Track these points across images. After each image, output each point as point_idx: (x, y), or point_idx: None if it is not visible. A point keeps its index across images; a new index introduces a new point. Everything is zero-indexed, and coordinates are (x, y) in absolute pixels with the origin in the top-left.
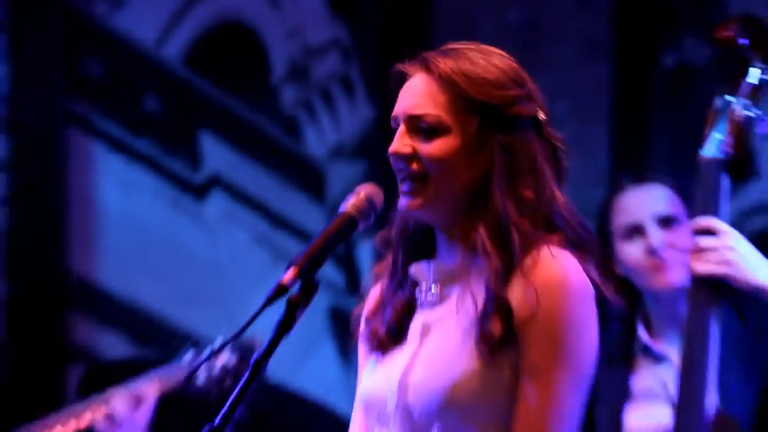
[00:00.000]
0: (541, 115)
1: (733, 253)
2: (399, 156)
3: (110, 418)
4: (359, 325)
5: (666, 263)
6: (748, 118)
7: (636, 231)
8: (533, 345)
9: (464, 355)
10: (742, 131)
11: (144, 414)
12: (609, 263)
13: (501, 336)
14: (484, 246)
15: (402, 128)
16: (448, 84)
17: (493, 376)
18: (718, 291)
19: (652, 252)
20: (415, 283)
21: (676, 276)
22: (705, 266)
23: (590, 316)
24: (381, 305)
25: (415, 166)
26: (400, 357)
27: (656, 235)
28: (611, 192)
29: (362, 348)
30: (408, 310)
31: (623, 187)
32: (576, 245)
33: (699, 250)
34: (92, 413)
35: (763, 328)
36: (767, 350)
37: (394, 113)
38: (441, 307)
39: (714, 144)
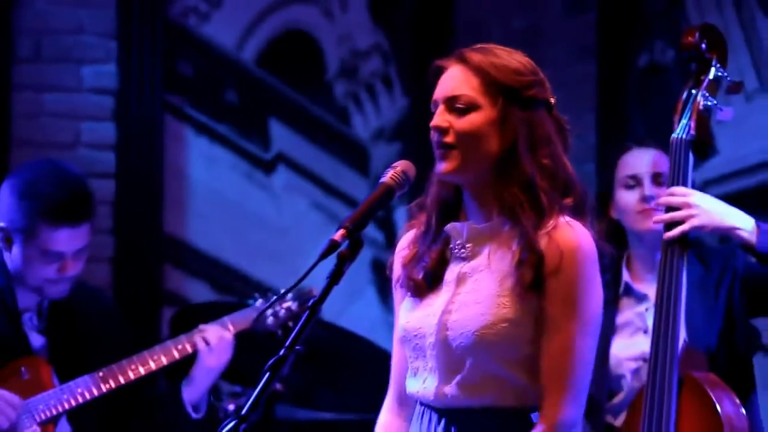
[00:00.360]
0: (551, 99)
1: (698, 208)
2: (438, 129)
3: (207, 341)
4: (392, 272)
5: (653, 211)
6: (708, 107)
7: (634, 181)
8: (553, 299)
9: (495, 303)
10: (703, 117)
11: (229, 340)
12: (608, 209)
13: (532, 281)
14: (521, 203)
15: (441, 108)
16: (478, 71)
17: (519, 322)
18: (686, 244)
19: (644, 199)
20: (447, 240)
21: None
22: (674, 231)
23: (597, 275)
24: (417, 256)
25: (448, 137)
26: (437, 300)
27: (649, 187)
28: (619, 151)
29: (398, 292)
30: (441, 262)
31: (629, 147)
32: (579, 207)
33: (670, 209)
34: (194, 341)
35: (723, 276)
36: (726, 294)
37: (434, 98)
38: (474, 261)
39: (682, 128)
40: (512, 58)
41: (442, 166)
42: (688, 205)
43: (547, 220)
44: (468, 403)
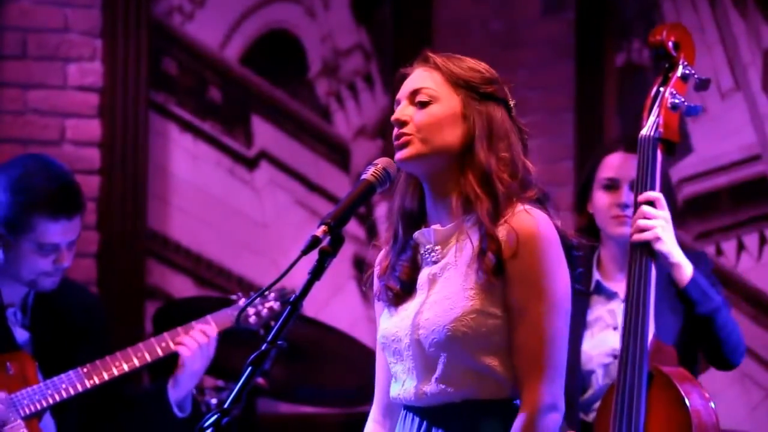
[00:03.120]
0: (511, 102)
1: (663, 231)
2: (398, 122)
3: (190, 344)
4: (371, 287)
5: (626, 219)
6: (675, 105)
7: (613, 185)
8: (516, 284)
9: (462, 297)
10: (671, 115)
11: (212, 340)
12: (585, 204)
13: (493, 269)
14: (474, 190)
15: (403, 102)
16: (440, 67)
17: (487, 312)
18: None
19: (620, 206)
20: (416, 248)
21: (631, 229)
22: (642, 236)
23: (559, 258)
24: (390, 267)
25: (408, 129)
26: (412, 304)
27: (626, 194)
28: (603, 150)
29: (378, 306)
30: (413, 269)
31: (615, 149)
32: (541, 202)
33: (642, 217)
34: (178, 340)
35: None
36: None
37: (397, 97)
38: (442, 261)
39: (650, 126)
40: (473, 61)
41: (402, 153)
42: (659, 226)
43: (504, 209)
44: (447, 399)
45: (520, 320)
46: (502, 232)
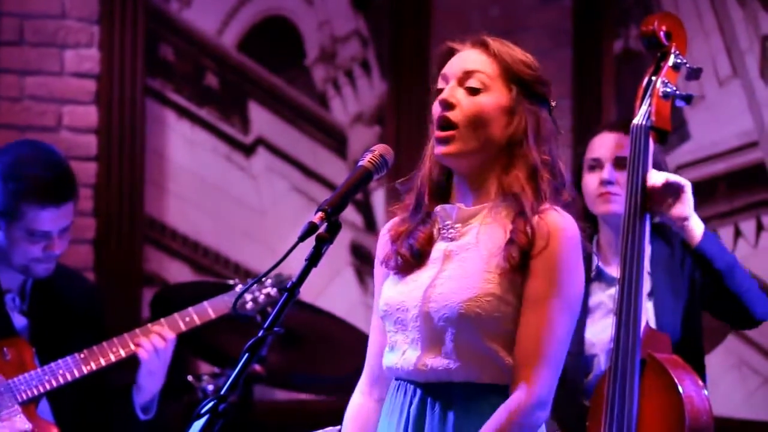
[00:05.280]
0: (553, 103)
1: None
2: (446, 102)
3: (145, 348)
4: (375, 251)
5: (611, 195)
6: (667, 93)
7: (597, 165)
8: (537, 277)
9: (481, 279)
10: (662, 104)
11: (169, 343)
12: (579, 191)
13: (519, 259)
14: (521, 184)
15: (453, 83)
16: (497, 57)
17: (503, 298)
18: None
19: (602, 183)
20: (436, 220)
21: (616, 206)
22: (674, 179)
23: (580, 259)
24: (405, 233)
25: (454, 115)
26: (422, 275)
27: (609, 171)
28: (592, 134)
29: (380, 271)
30: (429, 241)
31: (599, 131)
32: (569, 205)
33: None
34: (129, 346)
35: (686, 256)
36: (690, 272)
37: (443, 72)
38: (461, 240)
39: (642, 114)
40: (524, 54)
41: (444, 149)
42: (687, 187)
43: (543, 206)
44: (447, 376)
45: (532, 312)
46: (535, 226)
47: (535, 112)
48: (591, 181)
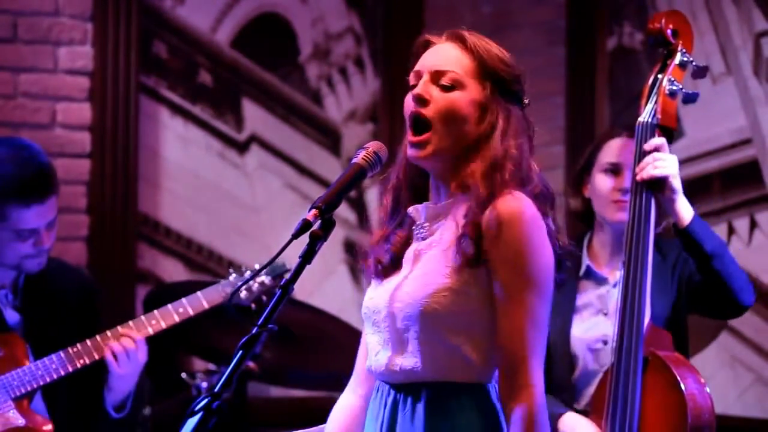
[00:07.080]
0: (526, 100)
1: (672, 167)
2: (419, 98)
3: (114, 350)
4: (366, 260)
5: (626, 204)
6: (673, 92)
7: (615, 169)
8: (500, 267)
9: (440, 274)
10: (669, 102)
11: (141, 349)
12: (583, 187)
13: (473, 251)
14: (475, 179)
15: (426, 78)
16: (473, 53)
17: (462, 292)
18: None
19: (622, 191)
20: (413, 222)
21: (627, 216)
22: (657, 171)
23: (543, 241)
24: (384, 238)
25: (427, 111)
26: (395, 278)
27: (629, 180)
28: (605, 134)
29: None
30: (405, 244)
31: (620, 133)
32: (541, 199)
33: (655, 158)
34: (103, 349)
35: (677, 263)
36: (680, 277)
37: (417, 68)
38: (429, 239)
39: (648, 112)
40: (500, 50)
41: (419, 153)
42: (669, 160)
43: (495, 199)
44: (415, 376)
45: (508, 304)
46: (486, 215)
47: (507, 108)
48: (605, 183)
